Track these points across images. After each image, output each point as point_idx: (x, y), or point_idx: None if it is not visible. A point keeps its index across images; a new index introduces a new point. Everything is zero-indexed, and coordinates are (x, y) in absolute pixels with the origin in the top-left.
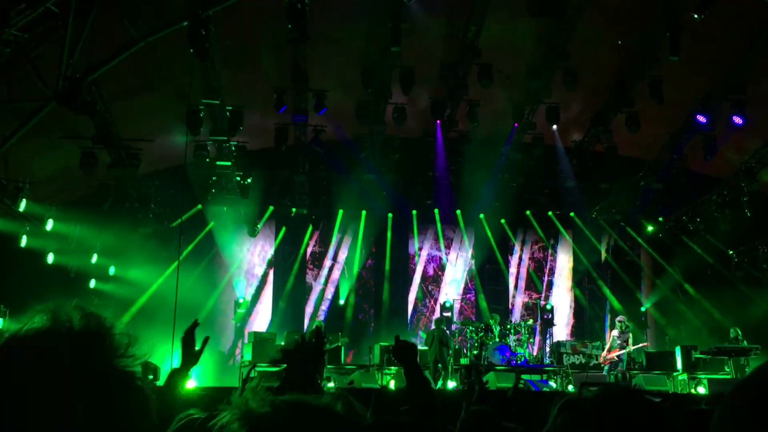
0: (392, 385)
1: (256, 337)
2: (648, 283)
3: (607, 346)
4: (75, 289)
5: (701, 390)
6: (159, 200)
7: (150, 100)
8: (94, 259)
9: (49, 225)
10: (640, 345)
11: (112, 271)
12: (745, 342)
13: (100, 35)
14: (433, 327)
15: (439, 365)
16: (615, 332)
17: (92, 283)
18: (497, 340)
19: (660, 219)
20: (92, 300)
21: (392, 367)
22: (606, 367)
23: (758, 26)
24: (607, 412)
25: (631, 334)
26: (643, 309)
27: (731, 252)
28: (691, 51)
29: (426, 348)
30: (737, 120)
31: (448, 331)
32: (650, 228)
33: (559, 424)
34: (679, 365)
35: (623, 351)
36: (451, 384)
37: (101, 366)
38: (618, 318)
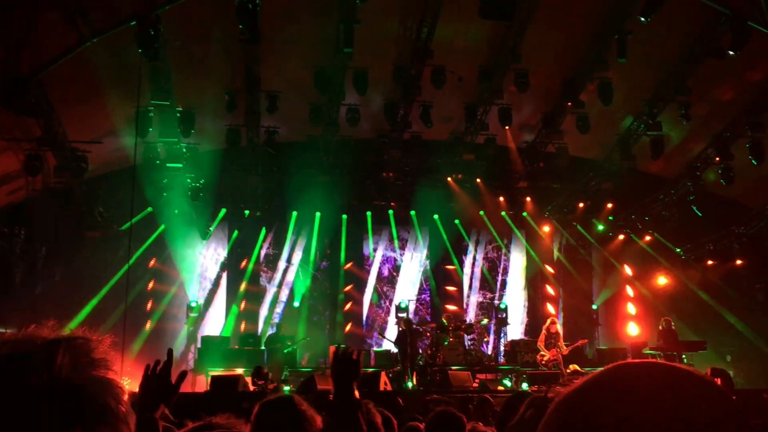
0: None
1: (209, 341)
2: (599, 281)
3: (542, 351)
4: (22, 294)
5: None
6: (108, 203)
7: (98, 101)
8: (41, 264)
9: None
10: (579, 342)
11: (59, 275)
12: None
13: (46, 34)
14: (403, 327)
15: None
16: (545, 333)
17: (40, 288)
18: (452, 339)
19: (610, 218)
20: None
21: None
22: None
23: (702, 27)
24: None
25: (558, 331)
26: (594, 306)
27: (678, 250)
28: (638, 52)
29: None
30: (682, 121)
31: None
32: (600, 227)
33: (526, 417)
34: None
35: (559, 352)
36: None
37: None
38: (550, 319)
